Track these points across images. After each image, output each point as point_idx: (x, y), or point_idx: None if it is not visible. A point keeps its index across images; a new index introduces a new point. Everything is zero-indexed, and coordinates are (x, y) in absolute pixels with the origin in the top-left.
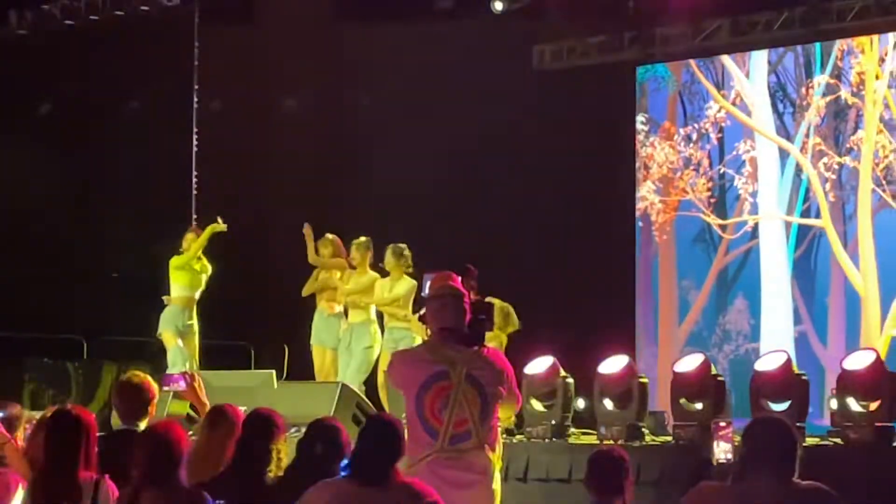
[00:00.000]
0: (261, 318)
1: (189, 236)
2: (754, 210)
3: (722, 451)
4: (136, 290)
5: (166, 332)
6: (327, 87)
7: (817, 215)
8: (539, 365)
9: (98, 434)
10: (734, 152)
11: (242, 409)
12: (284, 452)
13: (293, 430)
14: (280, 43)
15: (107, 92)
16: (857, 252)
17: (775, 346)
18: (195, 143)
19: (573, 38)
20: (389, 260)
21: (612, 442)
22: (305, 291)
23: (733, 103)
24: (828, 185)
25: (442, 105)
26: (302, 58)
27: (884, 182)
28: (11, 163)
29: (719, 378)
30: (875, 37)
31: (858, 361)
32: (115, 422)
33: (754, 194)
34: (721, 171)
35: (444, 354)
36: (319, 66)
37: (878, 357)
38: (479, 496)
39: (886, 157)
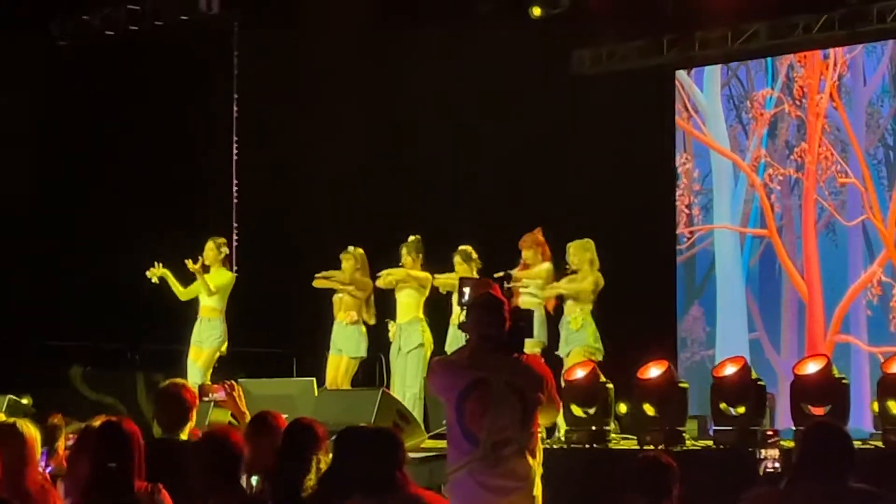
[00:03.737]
0: (302, 326)
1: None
2: (690, 221)
3: (770, 458)
4: (175, 299)
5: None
6: (368, 93)
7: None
8: (579, 371)
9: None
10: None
11: (284, 416)
12: (325, 462)
13: (333, 437)
14: (320, 50)
15: (147, 101)
16: (803, 261)
17: (730, 353)
18: (235, 151)
19: (612, 43)
20: (460, 264)
21: (652, 447)
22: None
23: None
24: (773, 197)
25: (481, 110)
26: (342, 64)
27: (827, 193)
28: (49, 170)
29: (760, 382)
30: (818, 51)
31: None
32: (157, 431)
33: (690, 206)
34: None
35: (484, 362)
36: (359, 72)
37: None
38: (520, 502)
39: (829, 168)
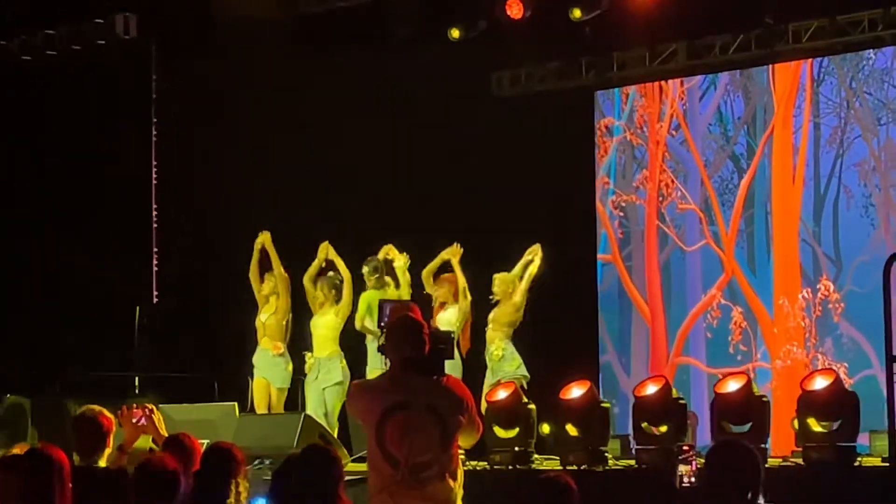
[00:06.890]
0: (223, 350)
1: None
2: None
3: (685, 473)
4: (96, 324)
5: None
6: (287, 116)
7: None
8: (501, 392)
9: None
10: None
11: (205, 442)
12: (244, 486)
13: (256, 462)
14: (239, 73)
15: (65, 126)
16: (645, 285)
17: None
18: (154, 175)
19: (531, 64)
20: (369, 277)
21: (575, 467)
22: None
23: None
24: (617, 223)
25: (401, 133)
26: (261, 88)
27: (668, 219)
28: None
29: (681, 401)
30: (661, 82)
31: (819, 381)
32: (75, 458)
33: None
34: None
35: (404, 384)
36: (278, 95)
37: (838, 377)
38: None
39: (670, 195)
